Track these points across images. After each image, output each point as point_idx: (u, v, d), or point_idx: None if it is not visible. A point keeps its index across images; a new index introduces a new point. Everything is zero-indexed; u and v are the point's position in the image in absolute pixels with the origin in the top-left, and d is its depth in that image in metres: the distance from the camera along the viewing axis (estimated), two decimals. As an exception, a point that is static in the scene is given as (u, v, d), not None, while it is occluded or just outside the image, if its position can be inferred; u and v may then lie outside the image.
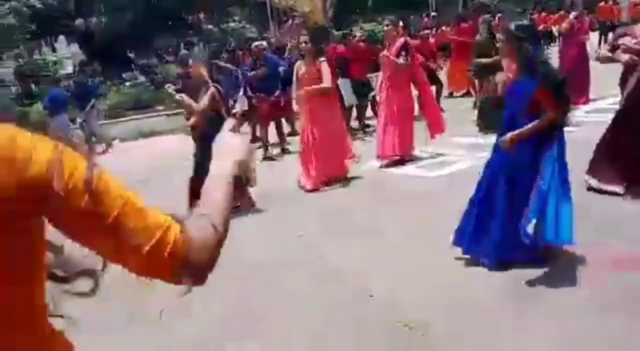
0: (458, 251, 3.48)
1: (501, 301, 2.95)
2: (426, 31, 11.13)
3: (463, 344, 2.62)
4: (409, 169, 5.96)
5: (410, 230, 4.08)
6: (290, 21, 18.94)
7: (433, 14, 23.13)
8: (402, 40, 6.12)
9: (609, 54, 4.29)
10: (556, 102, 3.05)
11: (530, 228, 3.04)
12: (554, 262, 3.22)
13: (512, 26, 3.21)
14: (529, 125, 3.08)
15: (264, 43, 8.33)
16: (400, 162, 6.13)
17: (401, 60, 5.93)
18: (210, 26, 20.38)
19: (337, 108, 6.01)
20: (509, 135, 3.13)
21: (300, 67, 5.78)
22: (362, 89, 7.84)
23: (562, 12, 14.90)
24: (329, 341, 2.77)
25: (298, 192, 5.57)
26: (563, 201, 3.05)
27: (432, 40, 10.75)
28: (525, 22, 3.26)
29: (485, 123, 6.68)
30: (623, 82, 4.31)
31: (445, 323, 2.77)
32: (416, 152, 6.35)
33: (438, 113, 6.60)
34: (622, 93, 4.32)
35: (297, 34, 13.96)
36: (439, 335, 2.68)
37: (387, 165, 6.11)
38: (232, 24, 22.40)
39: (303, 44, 5.84)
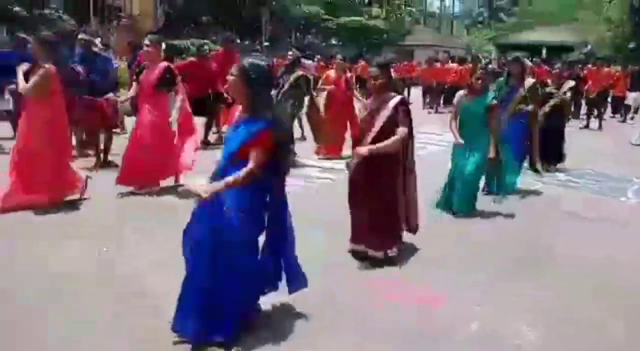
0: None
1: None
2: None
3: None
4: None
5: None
6: (116, 21, 17.76)
7: (265, 43, 23.99)
8: (163, 64, 5.38)
9: None
10: (275, 149, 2.68)
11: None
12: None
13: (246, 63, 2.68)
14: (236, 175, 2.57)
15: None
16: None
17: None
18: (18, 8, 17.89)
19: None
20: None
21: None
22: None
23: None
24: None
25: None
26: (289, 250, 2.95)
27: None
28: (262, 62, 2.73)
29: None
30: None
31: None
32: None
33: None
34: None
35: (124, 35, 13.09)
36: None
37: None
38: (46, 11, 20.08)
39: (146, 48, 5.36)
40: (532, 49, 29.43)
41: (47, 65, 4.67)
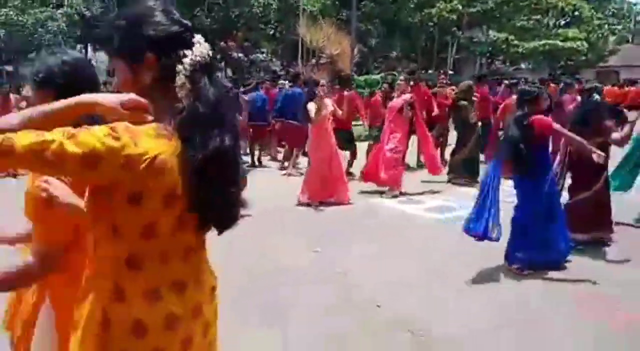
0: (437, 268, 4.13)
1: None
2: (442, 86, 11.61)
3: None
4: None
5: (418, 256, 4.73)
6: (315, 60, 20.06)
7: (450, 72, 24.34)
8: (407, 96, 7.30)
9: None
10: None
11: None
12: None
13: (520, 89, 4.71)
14: None
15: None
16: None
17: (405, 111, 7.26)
18: (240, 54, 21.42)
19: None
20: None
21: (317, 107, 6.53)
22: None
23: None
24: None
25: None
26: None
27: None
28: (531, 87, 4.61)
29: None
30: None
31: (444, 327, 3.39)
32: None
33: (433, 157, 7.83)
34: None
35: (323, 72, 14.98)
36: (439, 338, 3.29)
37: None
38: (260, 56, 23.64)
39: (322, 86, 6.78)
40: None
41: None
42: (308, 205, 6.50)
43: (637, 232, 5.46)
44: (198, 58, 1.22)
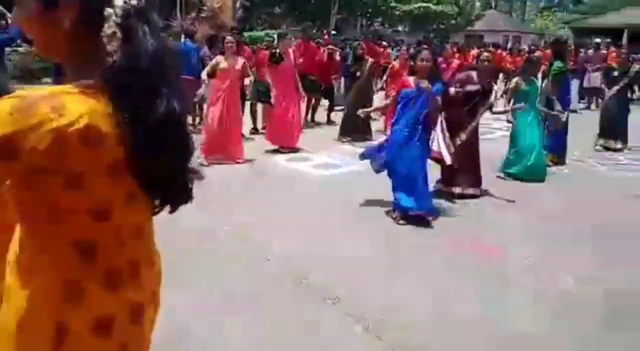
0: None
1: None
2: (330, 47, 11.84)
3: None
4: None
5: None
6: (195, 13, 19.06)
7: (333, 32, 24.64)
8: (291, 50, 7.63)
9: None
10: None
11: None
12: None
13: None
14: None
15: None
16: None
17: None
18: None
19: None
20: None
21: (220, 61, 6.55)
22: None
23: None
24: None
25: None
26: None
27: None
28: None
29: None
30: None
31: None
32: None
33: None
34: None
35: (204, 26, 14.35)
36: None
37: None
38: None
39: (228, 43, 6.61)
40: (613, 34, 27.98)
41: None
42: (203, 163, 6.35)
43: (510, 183, 6.10)
44: (133, 1, 0.99)
